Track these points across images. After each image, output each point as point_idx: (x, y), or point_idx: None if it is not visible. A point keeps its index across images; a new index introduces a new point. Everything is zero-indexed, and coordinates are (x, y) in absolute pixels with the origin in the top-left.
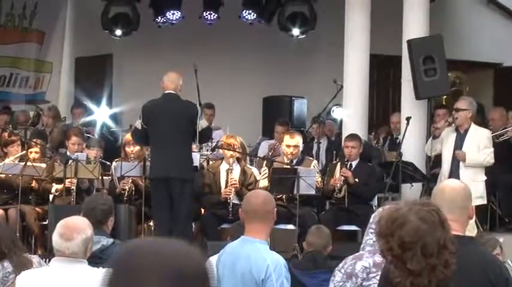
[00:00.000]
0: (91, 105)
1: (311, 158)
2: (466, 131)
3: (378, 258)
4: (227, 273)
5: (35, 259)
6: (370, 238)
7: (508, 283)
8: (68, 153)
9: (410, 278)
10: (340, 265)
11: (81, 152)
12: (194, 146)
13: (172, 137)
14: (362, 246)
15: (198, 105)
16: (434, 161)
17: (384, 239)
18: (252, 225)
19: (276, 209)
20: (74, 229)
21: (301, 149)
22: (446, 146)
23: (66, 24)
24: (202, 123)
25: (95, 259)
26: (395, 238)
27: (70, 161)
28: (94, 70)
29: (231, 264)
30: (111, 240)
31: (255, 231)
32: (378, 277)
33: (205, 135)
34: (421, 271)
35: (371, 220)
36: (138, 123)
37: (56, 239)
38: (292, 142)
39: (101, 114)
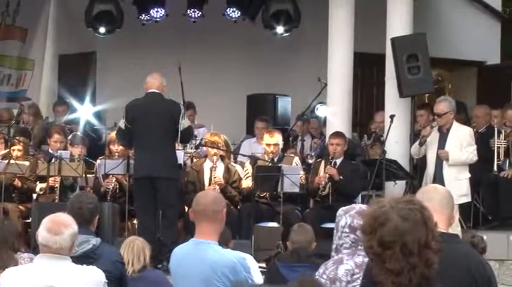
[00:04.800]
0: (74, 103)
1: (292, 155)
2: (448, 130)
3: (358, 259)
4: (182, 278)
5: (25, 255)
6: (345, 242)
7: (491, 281)
8: (50, 150)
9: (391, 277)
10: (320, 270)
11: (64, 149)
12: (178, 144)
13: (155, 136)
14: (334, 247)
15: (182, 103)
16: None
17: (366, 237)
18: (202, 226)
19: (225, 209)
20: (61, 224)
21: (281, 146)
22: (430, 146)
23: (49, 22)
24: (184, 122)
25: (87, 259)
26: (376, 236)
27: (53, 159)
28: (77, 68)
29: (186, 268)
30: (99, 239)
31: (206, 232)
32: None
33: (187, 135)
34: (400, 270)
35: (341, 223)
36: (122, 123)
37: (43, 234)
38: (271, 140)
39: (84, 112)
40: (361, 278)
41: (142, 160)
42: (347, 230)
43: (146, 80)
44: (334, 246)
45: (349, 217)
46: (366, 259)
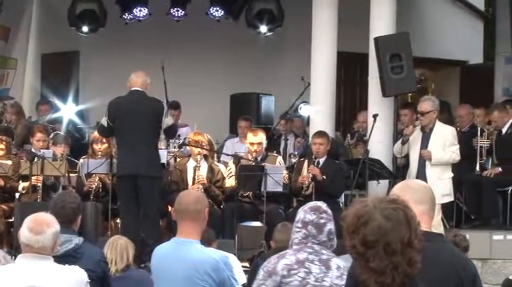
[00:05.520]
0: (57, 102)
1: (275, 154)
2: (431, 129)
3: (302, 255)
4: (163, 277)
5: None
6: (295, 237)
7: (476, 279)
8: (33, 150)
9: (374, 277)
10: (265, 263)
11: (46, 148)
12: (162, 144)
13: (138, 134)
14: (290, 243)
15: (165, 102)
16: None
17: (349, 236)
18: (184, 225)
19: (207, 209)
20: (43, 223)
21: (264, 145)
22: (413, 146)
23: (32, 21)
24: (167, 120)
25: (70, 258)
26: (359, 235)
27: (36, 158)
28: (60, 67)
29: (168, 267)
30: (81, 238)
31: (188, 232)
32: (300, 274)
33: (170, 133)
34: (383, 269)
35: (296, 218)
36: (104, 121)
37: (25, 233)
38: (255, 139)
39: (67, 111)
40: (299, 273)
41: (125, 158)
42: (299, 225)
43: (130, 78)
44: (290, 241)
45: (302, 211)
46: (310, 256)
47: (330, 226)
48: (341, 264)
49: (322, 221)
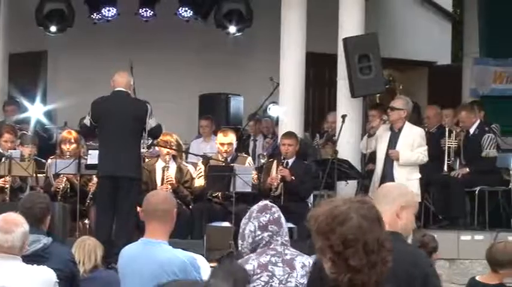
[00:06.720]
0: (25, 102)
1: (245, 155)
2: (400, 129)
3: (264, 258)
4: (131, 277)
5: None
6: (258, 244)
7: (428, 279)
8: (1, 150)
9: (349, 275)
10: None
11: (14, 149)
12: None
13: (121, 135)
14: (240, 249)
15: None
16: (369, 158)
17: (323, 236)
18: (152, 225)
19: (176, 209)
20: (12, 223)
21: (235, 146)
22: (380, 144)
23: None
24: (151, 122)
25: (38, 258)
26: (337, 235)
27: (3, 159)
28: (28, 67)
29: (135, 268)
30: (50, 239)
31: (155, 232)
32: (263, 278)
33: (154, 135)
34: (361, 268)
35: (250, 229)
36: (87, 120)
37: None
38: (225, 140)
39: (35, 111)
40: (261, 278)
41: (107, 159)
42: (259, 232)
43: (113, 78)
44: (246, 249)
45: (254, 220)
46: (273, 259)
47: (282, 216)
48: (306, 261)
49: (276, 215)
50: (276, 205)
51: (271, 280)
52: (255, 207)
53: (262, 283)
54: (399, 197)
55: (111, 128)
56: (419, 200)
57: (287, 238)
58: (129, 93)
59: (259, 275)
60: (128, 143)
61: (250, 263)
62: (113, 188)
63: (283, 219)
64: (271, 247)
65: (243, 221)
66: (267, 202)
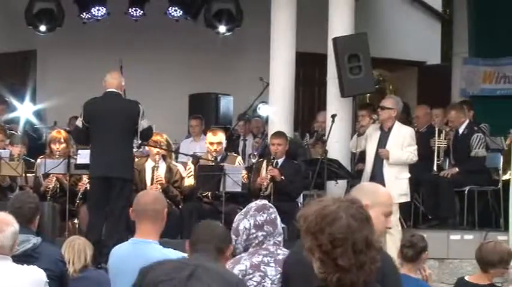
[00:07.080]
0: (14, 101)
1: (235, 155)
2: (390, 129)
3: (257, 259)
4: (121, 277)
5: None
6: (252, 242)
7: (384, 275)
8: None
9: (337, 274)
10: None
11: (4, 149)
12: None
13: (113, 136)
14: (242, 249)
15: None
16: (359, 157)
17: (312, 236)
18: (142, 225)
19: (166, 209)
20: (2, 222)
21: (224, 145)
22: (370, 143)
23: None
24: (143, 123)
25: (28, 258)
26: (326, 234)
27: None
28: (18, 66)
29: (126, 267)
30: (39, 238)
31: (146, 232)
32: (255, 278)
33: (146, 136)
34: (350, 267)
35: (245, 226)
36: (79, 122)
37: None
38: (215, 139)
39: (24, 111)
40: (254, 278)
41: (99, 159)
42: (253, 230)
43: (105, 79)
44: (240, 246)
45: (250, 218)
46: (265, 259)
47: (278, 217)
48: None
49: (273, 215)
50: (273, 206)
51: (263, 280)
52: (253, 205)
53: (255, 283)
54: (365, 195)
55: (103, 129)
56: (409, 199)
57: (280, 239)
58: (120, 94)
59: (251, 276)
60: (120, 144)
61: (242, 264)
62: (105, 188)
63: (279, 220)
64: (263, 246)
65: (238, 216)
66: (265, 201)
